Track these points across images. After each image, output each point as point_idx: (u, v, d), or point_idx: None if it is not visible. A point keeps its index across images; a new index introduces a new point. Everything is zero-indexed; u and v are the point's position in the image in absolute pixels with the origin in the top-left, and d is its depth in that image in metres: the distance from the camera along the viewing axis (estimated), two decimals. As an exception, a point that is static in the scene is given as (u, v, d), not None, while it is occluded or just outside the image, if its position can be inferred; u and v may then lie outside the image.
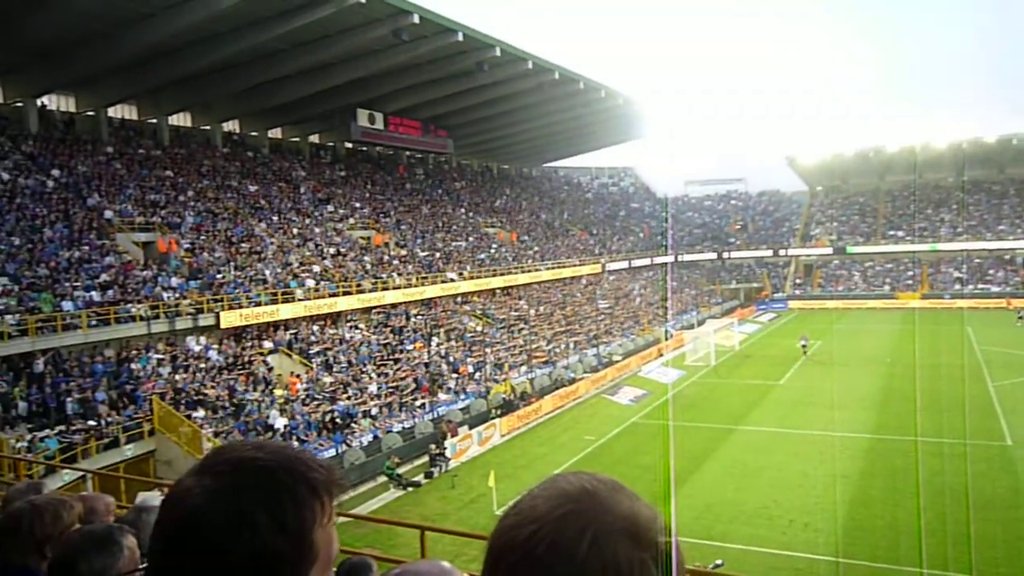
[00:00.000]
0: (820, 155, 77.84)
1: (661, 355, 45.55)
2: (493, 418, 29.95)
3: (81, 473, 16.48)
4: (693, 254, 76.69)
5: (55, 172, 30.06)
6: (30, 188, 28.23)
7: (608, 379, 38.85)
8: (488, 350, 37.20)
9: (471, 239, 50.17)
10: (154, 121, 38.54)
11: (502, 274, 46.92)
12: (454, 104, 47.01)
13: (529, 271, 49.96)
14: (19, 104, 32.88)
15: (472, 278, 43.90)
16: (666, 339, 49.14)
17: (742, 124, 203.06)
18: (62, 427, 20.54)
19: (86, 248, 26.83)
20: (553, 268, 53.17)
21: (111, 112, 36.45)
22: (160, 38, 30.31)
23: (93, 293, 24.81)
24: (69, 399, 21.39)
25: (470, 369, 34.63)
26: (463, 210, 54.82)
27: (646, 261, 67.88)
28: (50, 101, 34.74)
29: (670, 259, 71.22)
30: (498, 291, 46.27)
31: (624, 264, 64.06)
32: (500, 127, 56.19)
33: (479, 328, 40.00)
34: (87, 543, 2.17)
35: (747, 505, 20.79)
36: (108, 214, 29.40)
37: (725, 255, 76.23)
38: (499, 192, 64.23)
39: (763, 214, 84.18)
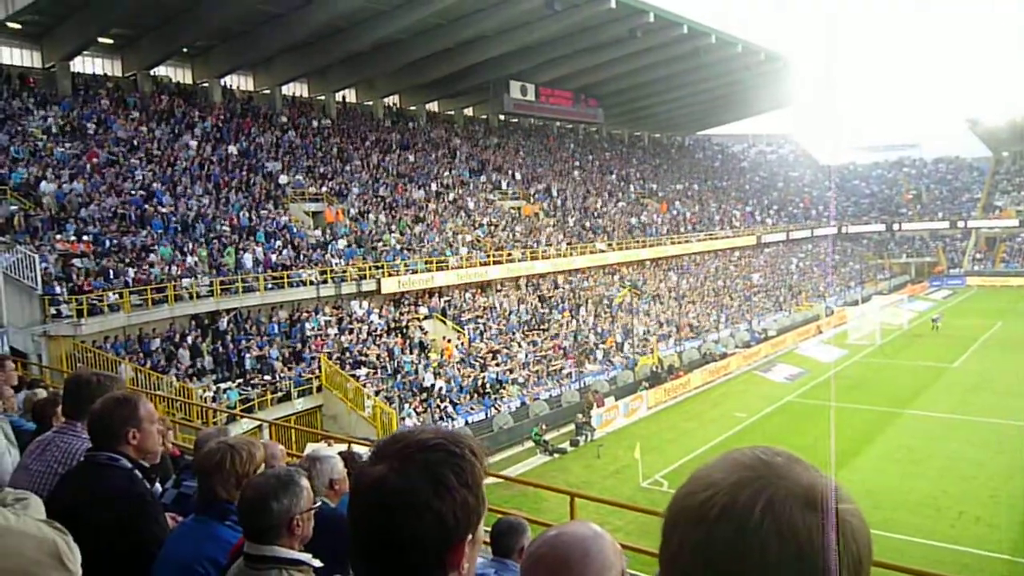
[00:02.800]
0: (1007, 117, 70.16)
1: (820, 332, 43.31)
2: (640, 390, 29.80)
3: (258, 423, 18.00)
4: (859, 226, 71.86)
5: (236, 143, 32.77)
6: (216, 156, 30.98)
7: (761, 355, 37.49)
8: (636, 321, 36.91)
9: (621, 209, 49.68)
10: (323, 98, 40.87)
11: (652, 245, 46.20)
12: (605, 72, 46.41)
13: (680, 242, 48.87)
14: (205, 84, 35.94)
15: (621, 248, 43.56)
16: (826, 315, 46.63)
17: (917, 84, 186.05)
18: (241, 380, 22.59)
19: (264, 212, 29.20)
20: (705, 239, 51.68)
21: (284, 90, 39.01)
22: (328, 19, 32.08)
23: (272, 255, 26.99)
24: (248, 355, 23.45)
25: (617, 340, 34.55)
26: (613, 180, 54.31)
27: (805, 233, 64.43)
28: (231, 80, 37.63)
29: (832, 231, 67.17)
30: (648, 262, 45.65)
31: (781, 236, 61.13)
32: (652, 95, 54.88)
33: (627, 299, 39.73)
34: (275, 484, 2.42)
35: (913, 494, 19.55)
36: (283, 179, 31.70)
37: (895, 227, 70.83)
38: (650, 162, 63.00)
39: (939, 182, 77.30)
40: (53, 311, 19.53)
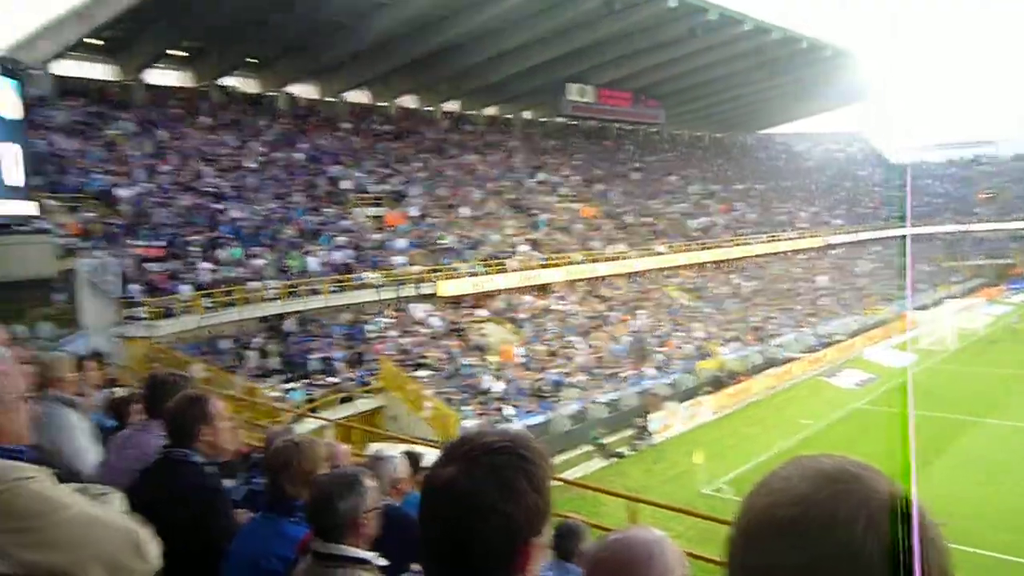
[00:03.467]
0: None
1: (890, 337, 41.92)
2: (701, 394, 29.36)
3: (323, 422, 18.39)
4: (931, 226, 69.26)
5: (301, 150, 33.62)
6: (281, 161, 31.83)
7: (827, 360, 36.49)
8: (696, 325, 36.39)
9: (681, 211, 49.05)
10: (384, 104, 41.56)
11: (713, 247, 45.48)
12: (666, 72, 45.94)
13: (742, 244, 47.96)
14: (272, 93, 36.98)
15: (682, 251, 43.00)
16: (896, 319, 45.11)
17: (993, 79, 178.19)
18: (306, 381, 23.13)
19: (328, 212, 29.90)
20: (768, 241, 50.59)
21: (348, 97, 39.83)
22: (391, 26, 32.65)
23: (335, 254, 27.59)
24: (311, 356, 24.00)
25: (677, 344, 34.13)
26: (673, 181, 53.67)
27: (874, 234, 62.46)
28: (296, 89, 38.60)
29: (903, 232, 64.90)
30: (708, 264, 44.95)
31: (848, 237, 59.37)
32: (714, 93, 54.06)
33: (687, 302, 39.19)
34: (340, 483, 2.50)
35: (990, 507, 18.74)
36: (345, 183, 32.39)
37: (969, 228, 67.99)
38: (712, 162, 62.03)
39: (1018, 181, 73.91)
40: (130, 314, 20.37)
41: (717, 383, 30.97)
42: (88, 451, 3.43)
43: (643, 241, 41.90)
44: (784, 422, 27.49)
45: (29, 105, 19.11)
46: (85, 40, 28.17)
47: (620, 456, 24.51)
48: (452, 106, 45.96)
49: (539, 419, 25.53)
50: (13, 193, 16.07)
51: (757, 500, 0.79)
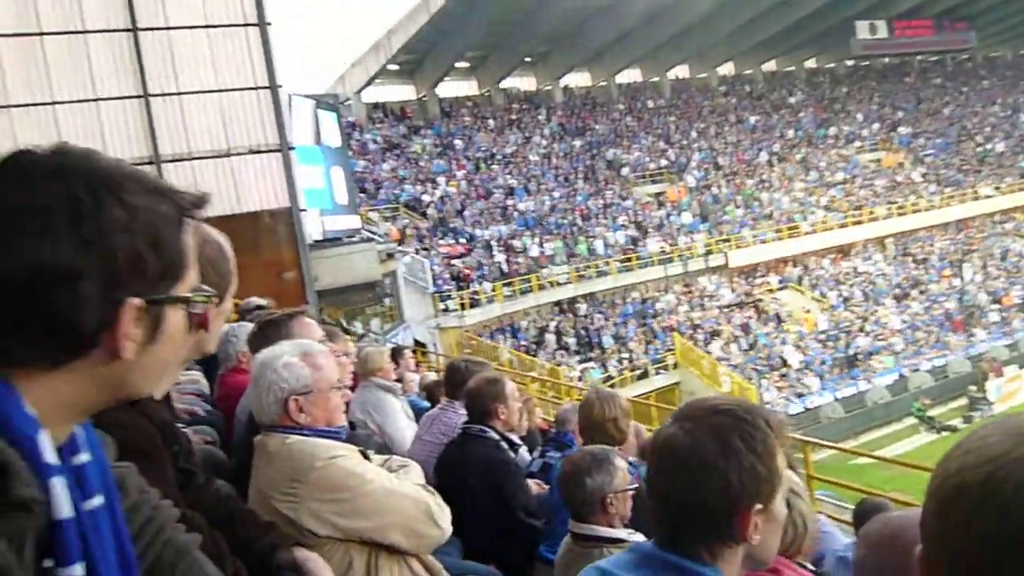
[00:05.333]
0: None
1: None
2: (1053, 356, 25.07)
3: (620, 400, 18.91)
4: None
5: (579, 137, 34.72)
6: (562, 151, 33.14)
7: None
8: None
9: (1010, 146, 41.95)
10: (656, 79, 41.20)
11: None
12: (975, -14, 39.58)
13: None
14: (547, 87, 38.59)
15: (1014, 191, 36.82)
16: None
17: None
18: (602, 359, 23.94)
19: (609, 194, 30.57)
20: None
21: (619, 79, 40.15)
22: (651, 1, 32.24)
23: (618, 233, 28.19)
24: (605, 335, 24.77)
25: (1016, 300, 29.39)
26: (996, 111, 46.04)
27: None
28: (570, 79, 39.80)
29: None
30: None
31: None
32: (1042, -1, 45.27)
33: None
34: (590, 460, 2.58)
35: None
36: (624, 170, 32.79)
37: None
38: (1048, 81, 52.08)
39: None
40: (442, 306, 22.72)
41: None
42: (405, 430, 4.00)
43: (963, 186, 36.63)
44: None
45: (346, 132, 22.16)
46: (387, 67, 31.85)
47: (953, 429, 21.83)
48: (726, 69, 44.08)
49: (848, 391, 23.69)
50: (343, 210, 18.73)
51: (951, 463, 0.70)
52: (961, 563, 0.66)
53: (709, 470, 1.15)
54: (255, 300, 5.49)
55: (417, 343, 19.22)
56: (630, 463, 2.87)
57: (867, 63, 47.14)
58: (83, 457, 0.84)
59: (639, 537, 2.44)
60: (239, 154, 12.82)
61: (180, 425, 2.15)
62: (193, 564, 1.24)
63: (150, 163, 11.81)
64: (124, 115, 12.11)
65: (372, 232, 21.01)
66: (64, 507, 0.75)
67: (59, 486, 0.75)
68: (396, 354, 5.78)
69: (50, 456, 0.75)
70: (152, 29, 12.21)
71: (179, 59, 12.41)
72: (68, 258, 0.73)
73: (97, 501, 0.83)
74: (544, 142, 33.43)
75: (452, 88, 37.32)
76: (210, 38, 12.62)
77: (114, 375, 0.80)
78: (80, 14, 11.67)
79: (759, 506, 1.16)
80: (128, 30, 12.06)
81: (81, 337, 0.76)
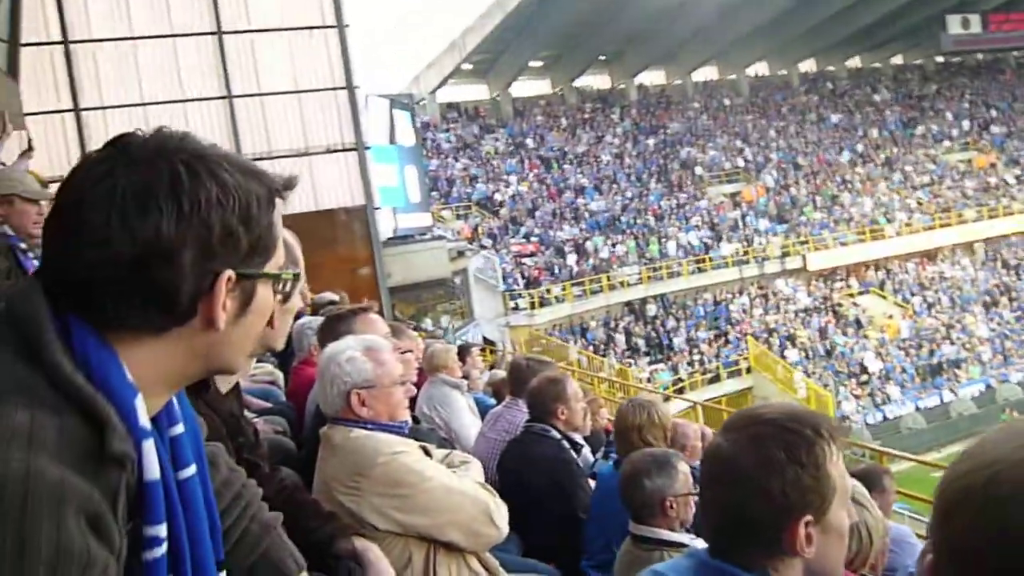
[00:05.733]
0: None
1: None
2: None
3: (691, 403, 18.58)
4: None
5: (653, 136, 34.27)
6: (636, 151, 32.80)
7: None
8: None
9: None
10: (733, 77, 40.33)
11: None
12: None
13: None
14: (622, 86, 38.25)
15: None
16: None
17: None
18: (672, 362, 23.59)
19: (683, 196, 30.11)
20: None
21: (694, 77, 39.47)
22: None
23: (691, 234, 27.75)
24: (676, 337, 24.40)
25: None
26: (1105, 108, 43.26)
27: None
28: (644, 77, 39.35)
29: None
30: None
31: None
32: None
33: None
34: (651, 463, 2.58)
35: None
36: (699, 170, 32.22)
37: None
38: None
39: None
40: (512, 305, 22.82)
41: None
42: (470, 426, 4.04)
43: (1063, 187, 34.58)
44: None
45: (420, 131, 22.49)
46: (461, 67, 32.13)
47: (1044, 444, 20.65)
48: (807, 66, 42.78)
49: (931, 401, 22.72)
50: (416, 207, 19.04)
51: (958, 467, 0.69)
52: (967, 565, 0.65)
53: (748, 481, 1.12)
54: (328, 295, 5.65)
55: (486, 341, 19.34)
56: (693, 468, 2.83)
57: (959, 59, 45.00)
58: (178, 429, 0.91)
59: (701, 543, 2.39)
60: (317, 153, 13.15)
61: (251, 416, 2.23)
62: (276, 539, 1.30)
63: (233, 162, 12.20)
64: (209, 115, 12.58)
65: (441, 230, 21.28)
66: (154, 469, 0.81)
67: (150, 449, 0.81)
68: (463, 352, 5.84)
69: (144, 420, 0.80)
70: (235, 32, 12.65)
71: (260, 61, 12.81)
72: (170, 232, 0.79)
73: (191, 471, 0.90)
74: (617, 141, 33.15)
75: (525, 87, 37.40)
76: (290, 40, 12.99)
77: (208, 345, 0.86)
78: (168, 18, 12.18)
79: (809, 517, 1.12)
80: (213, 33, 12.52)
81: (180, 306, 0.81)
